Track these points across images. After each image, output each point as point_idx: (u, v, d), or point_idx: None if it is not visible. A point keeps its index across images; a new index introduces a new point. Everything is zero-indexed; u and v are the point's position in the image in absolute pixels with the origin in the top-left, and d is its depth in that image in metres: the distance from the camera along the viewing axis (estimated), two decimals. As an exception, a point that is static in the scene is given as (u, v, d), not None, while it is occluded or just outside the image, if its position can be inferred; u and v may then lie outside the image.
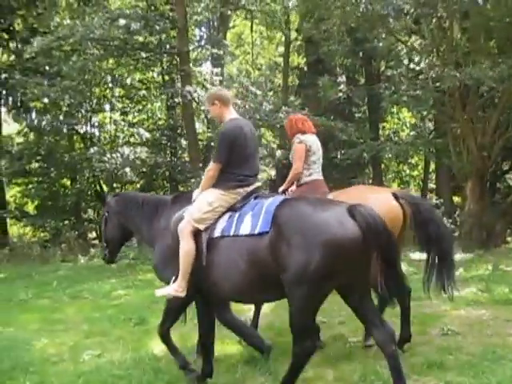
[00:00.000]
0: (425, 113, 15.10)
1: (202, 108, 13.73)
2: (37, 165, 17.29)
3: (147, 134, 15.30)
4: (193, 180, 12.25)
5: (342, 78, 18.83)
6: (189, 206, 3.78)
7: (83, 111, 15.45)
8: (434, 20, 11.94)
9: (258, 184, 3.85)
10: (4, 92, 22.69)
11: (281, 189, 4.93)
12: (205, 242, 3.54)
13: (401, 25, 12.65)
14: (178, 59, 14.63)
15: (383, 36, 12.91)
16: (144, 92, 15.21)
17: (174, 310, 3.91)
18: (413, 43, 13.42)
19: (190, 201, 3.89)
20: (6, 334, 5.92)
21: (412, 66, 13.67)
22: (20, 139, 20.21)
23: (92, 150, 14.24)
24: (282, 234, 3.18)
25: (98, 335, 5.31)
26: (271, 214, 3.29)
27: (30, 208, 21.64)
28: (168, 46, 15.07)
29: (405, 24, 12.48)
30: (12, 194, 24.70)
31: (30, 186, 19.05)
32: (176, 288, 3.58)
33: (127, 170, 13.53)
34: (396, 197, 4.21)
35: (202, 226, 3.58)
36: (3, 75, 20.46)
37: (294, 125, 4.94)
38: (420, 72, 13.50)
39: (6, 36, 19.72)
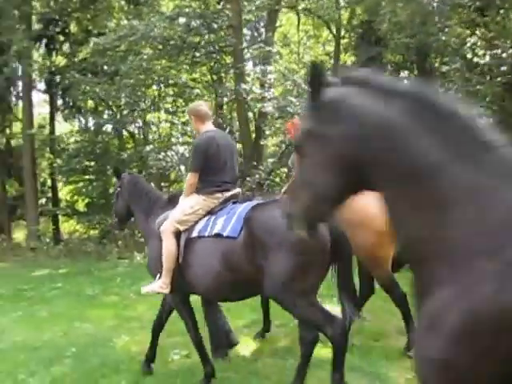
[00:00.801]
0: (483, 109, 14.59)
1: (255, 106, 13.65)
2: (91, 163, 17.67)
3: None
4: (248, 178, 12.16)
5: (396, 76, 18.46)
6: (172, 210, 4.09)
7: (138, 110, 15.61)
8: (500, 11, 11.50)
9: (237, 190, 4.19)
10: (58, 92, 23.43)
11: (282, 190, 5.20)
12: (183, 241, 3.86)
13: (462, 17, 12.22)
14: (223, 57, 14.63)
15: (445, 30, 12.52)
16: (197, 91, 15.24)
17: (180, 309, 4.21)
18: (478, 36, 12.97)
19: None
20: (85, 329, 6.01)
21: (476, 59, 13.19)
22: (73, 138, 20.78)
23: (147, 148, 14.40)
24: (253, 237, 3.43)
25: (177, 334, 5.29)
26: (241, 221, 3.56)
27: (80, 206, 22.23)
28: (220, 45, 15.04)
29: (466, 16, 12.05)
30: (64, 191, 25.44)
31: (82, 183, 19.56)
32: (160, 285, 3.85)
33: (182, 167, 13.59)
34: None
35: (182, 227, 3.90)
36: (57, 76, 21.08)
37: (296, 128, 5.25)
38: (477, 65, 13.03)
39: (61, 38, 20.26)
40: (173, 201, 4.39)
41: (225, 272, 3.59)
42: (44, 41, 20.36)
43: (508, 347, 1.35)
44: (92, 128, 18.76)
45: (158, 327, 4.40)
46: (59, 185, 24.12)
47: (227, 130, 15.41)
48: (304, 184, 1.83)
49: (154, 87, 15.55)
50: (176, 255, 3.85)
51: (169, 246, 3.85)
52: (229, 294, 3.89)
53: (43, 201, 23.88)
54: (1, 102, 23.50)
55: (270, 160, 14.28)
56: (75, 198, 22.69)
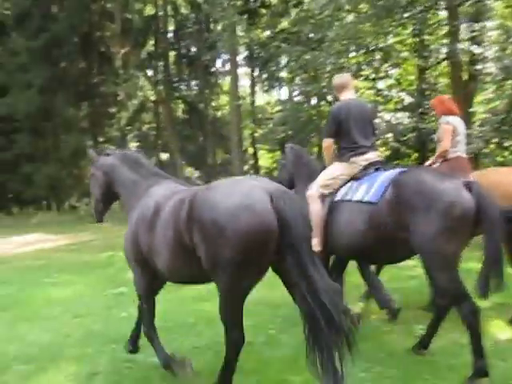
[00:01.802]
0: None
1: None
2: (289, 133, 18.14)
3: (409, 98, 14.65)
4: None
5: None
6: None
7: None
8: None
9: (374, 154, 4.33)
10: (258, 65, 24.52)
11: (427, 163, 5.47)
12: (327, 204, 4.15)
13: None
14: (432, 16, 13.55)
15: None
16: (405, 54, 14.49)
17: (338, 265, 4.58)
18: None
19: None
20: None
21: None
22: (275, 109, 21.66)
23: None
24: (401, 199, 3.54)
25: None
26: (383, 187, 3.68)
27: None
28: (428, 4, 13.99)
29: None
30: (264, 159, 26.83)
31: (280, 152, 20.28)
32: (314, 244, 3.83)
33: (389, 135, 13.16)
34: None
35: (325, 191, 4.23)
36: (258, 50, 21.95)
37: (442, 104, 5.42)
38: None
39: (263, 11, 20.99)
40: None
41: (366, 233, 3.75)
42: (246, 15, 21.32)
43: None
44: (294, 98, 19.24)
45: None
46: (259, 153, 25.47)
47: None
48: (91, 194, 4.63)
49: (355, 53, 15.18)
50: (322, 217, 4.14)
51: (315, 209, 4.18)
52: (370, 255, 4.07)
53: (245, 168, 25.49)
54: (209, 76, 25.50)
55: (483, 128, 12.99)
56: (274, 165, 23.75)
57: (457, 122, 5.30)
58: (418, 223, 3.41)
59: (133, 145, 27.33)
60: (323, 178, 4.34)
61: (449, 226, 3.32)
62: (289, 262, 2.95)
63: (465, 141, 5.34)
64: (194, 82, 26.17)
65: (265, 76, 26.07)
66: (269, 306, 5.66)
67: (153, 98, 25.70)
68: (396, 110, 14.01)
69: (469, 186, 3.40)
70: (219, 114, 27.66)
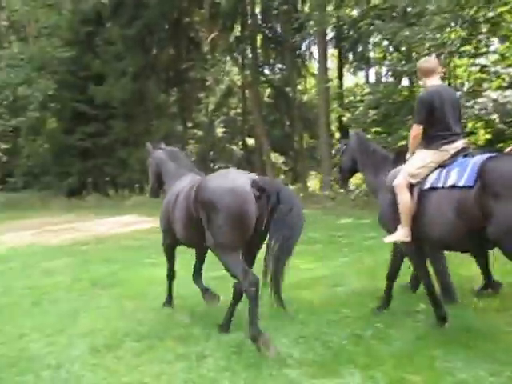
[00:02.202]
0: None
1: None
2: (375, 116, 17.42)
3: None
4: None
5: None
6: (403, 165, 4.34)
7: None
8: None
9: (463, 141, 4.22)
10: (346, 46, 23.85)
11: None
12: (416, 193, 4.07)
13: None
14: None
15: None
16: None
17: (416, 258, 4.50)
18: None
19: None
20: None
21: None
22: (364, 90, 20.95)
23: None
24: (488, 187, 3.46)
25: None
26: (476, 170, 3.58)
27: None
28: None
29: None
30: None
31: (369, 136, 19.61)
32: (401, 234, 4.19)
33: (494, 116, 12.18)
34: None
35: (414, 181, 4.13)
36: (346, 30, 21.29)
37: None
38: None
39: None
40: (400, 157, 4.68)
41: (458, 221, 3.71)
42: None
43: None
44: (383, 79, 18.48)
45: (392, 275, 4.94)
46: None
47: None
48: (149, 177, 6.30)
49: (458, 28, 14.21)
50: (411, 207, 4.10)
51: (404, 199, 4.13)
52: (459, 243, 3.95)
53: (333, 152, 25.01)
54: (296, 58, 25.18)
55: None
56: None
57: None
58: (500, 211, 3.39)
59: (219, 130, 27.68)
60: (412, 166, 4.23)
61: None
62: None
63: None
64: (280, 66, 25.93)
65: (353, 57, 25.39)
66: (371, 297, 5.41)
67: (239, 82, 25.81)
68: (504, 88, 12.95)
69: None
70: (306, 97, 27.30)
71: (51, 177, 26.57)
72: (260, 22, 24.61)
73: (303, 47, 26.35)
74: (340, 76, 25.38)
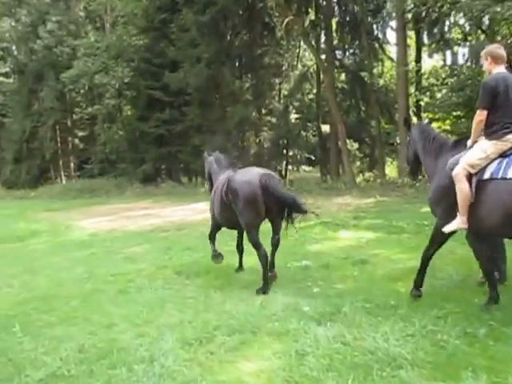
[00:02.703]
0: None
1: None
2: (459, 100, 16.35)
3: None
4: None
5: None
6: (463, 153, 4.31)
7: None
8: None
9: None
10: (422, 27, 22.60)
11: None
12: (475, 183, 4.08)
13: None
14: None
15: None
16: None
17: (438, 240, 4.66)
18: None
19: (465, 147, 4.42)
20: None
21: None
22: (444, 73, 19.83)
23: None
24: None
25: None
26: None
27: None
28: None
29: None
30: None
31: (449, 121, 18.54)
32: (459, 222, 4.23)
33: None
34: None
35: (473, 171, 4.10)
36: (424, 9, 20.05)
37: None
38: None
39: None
40: (459, 144, 4.62)
41: None
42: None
43: None
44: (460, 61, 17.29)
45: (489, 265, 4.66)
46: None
47: None
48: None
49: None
50: (470, 196, 4.11)
51: (463, 188, 4.13)
52: None
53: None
54: (372, 41, 24.16)
55: None
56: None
57: None
58: None
59: (293, 116, 27.16)
60: (473, 157, 4.18)
61: None
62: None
63: None
64: (356, 50, 24.97)
65: (431, 39, 24.03)
66: (471, 290, 4.97)
67: (314, 67, 25.16)
68: None
69: None
70: (382, 81, 26.21)
71: (126, 163, 27.16)
72: (335, 5, 23.75)
73: (379, 30, 25.35)
74: (418, 59, 24.13)
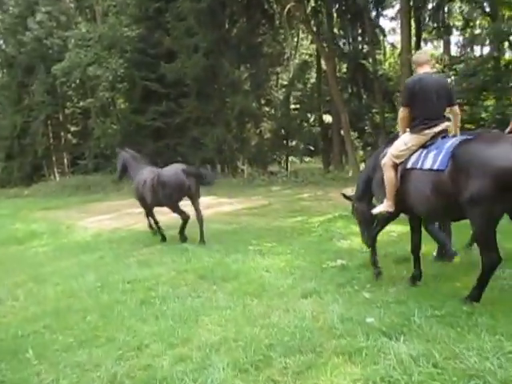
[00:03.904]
0: None
1: None
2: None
3: None
4: None
5: None
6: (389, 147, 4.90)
7: None
8: None
9: (445, 125, 4.59)
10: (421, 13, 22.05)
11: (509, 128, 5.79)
12: (399, 172, 4.67)
13: None
14: None
15: None
16: None
17: (382, 221, 5.33)
18: None
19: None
20: None
21: None
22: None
23: None
24: (459, 168, 3.92)
25: None
26: (448, 155, 4.06)
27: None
28: None
29: None
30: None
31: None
32: (386, 205, 4.83)
33: None
34: None
35: (398, 161, 4.68)
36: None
37: None
38: None
39: None
40: (394, 140, 4.96)
41: (433, 197, 4.22)
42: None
43: None
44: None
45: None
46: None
47: None
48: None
49: None
50: (395, 183, 4.65)
51: (389, 176, 4.69)
52: (436, 215, 4.75)
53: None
54: (375, 29, 23.47)
55: None
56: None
57: None
58: (473, 188, 3.78)
59: (294, 106, 26.43)
60: (397, 148, 4.70)
61: (500, 187, 3.64)
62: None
63: None
64: (357, 37, 24.25)
65: (431, 26, 23.47)
66: None
67: (315, 55, 24.43)
68: None
69: None
70: (383, 70, 25.53)
71: (123, 158, 26.24)
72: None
73: (381, 17, 24.74)
74: (418, 46, 23.52)
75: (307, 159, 31.72)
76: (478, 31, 22.66)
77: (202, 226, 8.49)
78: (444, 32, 23.45)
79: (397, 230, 8.14)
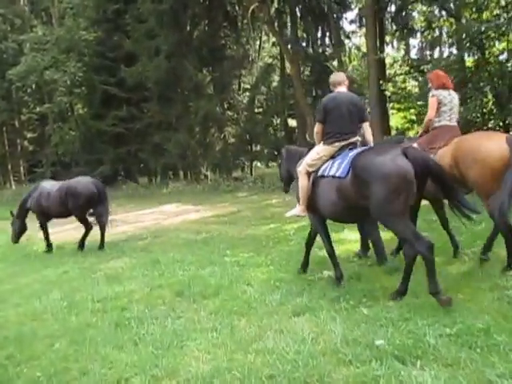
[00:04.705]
0: None
1: None
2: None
3: None
4: None
5: None
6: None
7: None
8: None
9: (355, 139, 5.13)
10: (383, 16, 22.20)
11: (419, 132, 6.18)
12: (311, 179, 5.18)
13: None
14: None
15: None
16: None
17: (318, 227, 5.57)
18: None
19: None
20: None
21: None
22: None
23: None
24: (357, 176, 4.43)
25: None
26: (349, 164, 4.58)
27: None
28: None
29: None
30: (395, 120, 24.47)
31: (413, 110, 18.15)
32: (299, 210, 5.34)
33: None
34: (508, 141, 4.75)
35: (311, 169, 5.20)
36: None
37: (438, 78, 5.81)
38: None
39: None
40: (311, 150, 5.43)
41: (339, 201, 4.73)
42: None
43: None
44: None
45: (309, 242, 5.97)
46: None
47: None
48: None
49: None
50: (308, 189, 5.16)
51: (302, 183, 5.21)
52: (344, 217, 5.12)
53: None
54: (339, 31, 23.44)
55: None
56: (406, 125, 21.38)
57: (444, 94, 5.69)
58: (371, 192, 4.26)
59: (258, 110, 26.11)
60: (310, 158, 5.22)
61: (391, 189, 4.13)
62: None
63: (453, 111, 5.73)
64: (322, 39, 24.15)
65: (394, 27, 23.68)
66: None
67: (279, 58, 24.19)
68: None
69: (406, 153, 4.22)
70: (348, 72, 25.52)
71: (82, 166, 25.42)
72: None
73: (345, 19, 24.83)
74: (381, 48, 23.63)
75: (272, 164, 31.41)
76: (436, 34, 22.97)
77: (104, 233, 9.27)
78: (407, 34, 23.63)
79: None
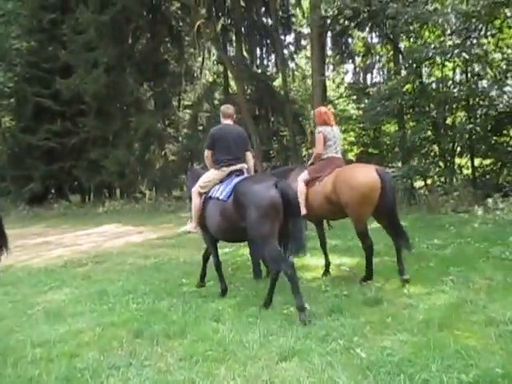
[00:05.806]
0: None
1: None
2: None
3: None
4: None
5: None
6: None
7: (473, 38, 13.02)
8: None
9: (241, 165, 5.88)
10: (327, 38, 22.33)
11: (308, 163, 6.75)
12: (202, 199, 5.82)
13: None
14: None
15: None
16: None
17: (208, 244, 6.29)
18: None
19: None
20: None
21: None
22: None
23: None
24: (237, 200, 5.11)
25: None
26: (231, 189, 5.28)
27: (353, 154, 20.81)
28: None
29: None
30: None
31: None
32: (191, 226, 6.04)
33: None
34: (377, 171, 5.74)
35: (202, 191, 5.86)
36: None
37: (320, 116, 6.55)
38: None
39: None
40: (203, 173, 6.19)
41: (223, 222, 5.36)
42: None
43: None
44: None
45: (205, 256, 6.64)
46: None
47: None
48: None
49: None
50: (199, 209, 5.81)
51: (195, 202, 5.86)
52: (228, 236, 5.68)
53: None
54: (284, 50, 23.31)
55: None
56: (346, 147, 21.22)
57: (328, 130, 6.41)
58: (247, 215, 4.92)
59: (201, 127, 25.46)
60: (202, 180, 5.86)
61: (262, 214, 4.82)
62: None
63: (337, 144, 6.48)
64: (266, 58, 24.00)
65: (335, 51, 23.96)
66: None
67: (223, 75, 23.72)
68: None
69: (277, 185, 4.93)
70: (293, 92, 25.48)
71: (9, 182, 23.69)
72: (244, 11, 22.53)
73: (291, 40, 24.85)
74: (323, 70, 23.77)
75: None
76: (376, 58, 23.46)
77: None
78: (347, 57, 23.95)
79: (344, 262, 7.43)
